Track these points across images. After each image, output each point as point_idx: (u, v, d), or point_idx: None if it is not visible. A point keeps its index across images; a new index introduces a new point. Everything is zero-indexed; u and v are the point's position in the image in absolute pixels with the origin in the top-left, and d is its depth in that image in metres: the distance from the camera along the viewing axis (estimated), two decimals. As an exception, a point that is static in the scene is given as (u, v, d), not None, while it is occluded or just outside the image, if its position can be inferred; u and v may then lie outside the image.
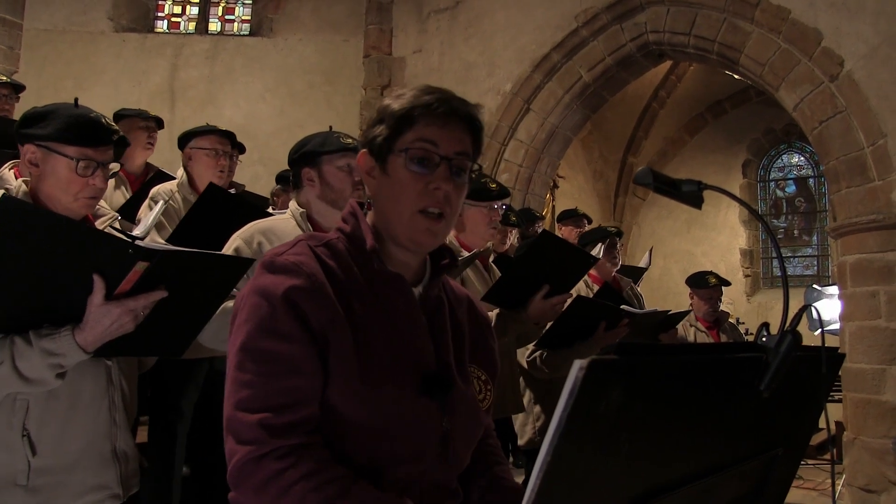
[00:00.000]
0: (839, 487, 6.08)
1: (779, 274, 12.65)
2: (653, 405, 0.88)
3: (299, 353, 1.27)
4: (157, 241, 3.27)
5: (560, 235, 6.11)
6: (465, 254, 2.97)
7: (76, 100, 2.14)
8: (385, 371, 1.31)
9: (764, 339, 1.11)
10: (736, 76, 8.01)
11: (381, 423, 1.29)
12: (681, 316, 4.68)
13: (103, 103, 5.00)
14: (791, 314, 1.16)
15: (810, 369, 1.28)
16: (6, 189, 3.04)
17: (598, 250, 4.34)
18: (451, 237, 3.10)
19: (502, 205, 3.17)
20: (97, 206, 2.26)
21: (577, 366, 0.74)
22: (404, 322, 1.38)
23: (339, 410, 1.29)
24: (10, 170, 3.14)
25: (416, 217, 1.36)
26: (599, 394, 0.78)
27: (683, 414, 0.97)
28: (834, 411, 7.33)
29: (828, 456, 7.26)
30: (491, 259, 3.68)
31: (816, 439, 7.70)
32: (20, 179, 2.10)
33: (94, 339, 1.78)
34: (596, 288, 4.39)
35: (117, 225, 2.49)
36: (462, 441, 1.41)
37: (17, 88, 4.65)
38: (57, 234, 1.71)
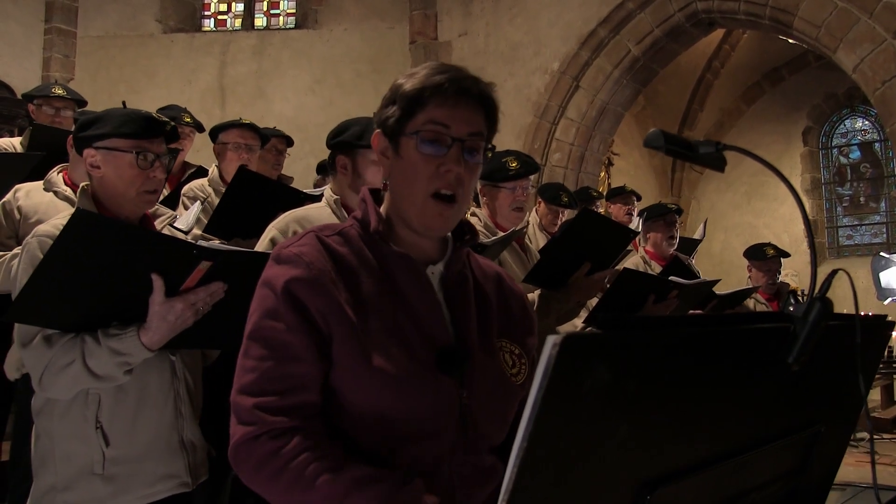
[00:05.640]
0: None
1: (846, 243, 12.25)
2: (653, 382, 0.81)
3: (299, 341, 1.28)
4: (204, 236, 3.35)
5: (610, 213, 6.01)
6: (501, 234, 2.91)
7: (124, 103, 2.21)
8: (396, 350, 1.30)
9: (791, 307, 1.03)
10: (791, 41, 7.74)
11: (393, 402, 1.27)
12: (745, 294, 4.46)
13: (156, 104, 5.09)
14: (854, 280, 1.07)
15: (849, 339, 1.20)
16: (55, 191, 3.12)
17: (636, 224, 4.21)
18: (486, 219, 3.06)
19: (526, 184, 3.08)
20: (156, 207, 2.34)
21: (551, 342, 0.68)
22: (416, 300, 1.36)
23: (349, 396, 1.28)
24: (58, 174, 3.18)
25: (429, 201, 1.35)
26: (580, 372, 0.71)
27: (696, 391, 0.89)
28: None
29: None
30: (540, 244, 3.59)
31: (894, 412, 7.43)
32: (83, 184, 2.17)
33: (160, 337, 1.87)
34: (654, 265, 4.28)
35: (178, 223, 2.57)
36: (486, 414, 1.36)
37: (80, 104, 4.62)
38: (126, 241, 1.80)
